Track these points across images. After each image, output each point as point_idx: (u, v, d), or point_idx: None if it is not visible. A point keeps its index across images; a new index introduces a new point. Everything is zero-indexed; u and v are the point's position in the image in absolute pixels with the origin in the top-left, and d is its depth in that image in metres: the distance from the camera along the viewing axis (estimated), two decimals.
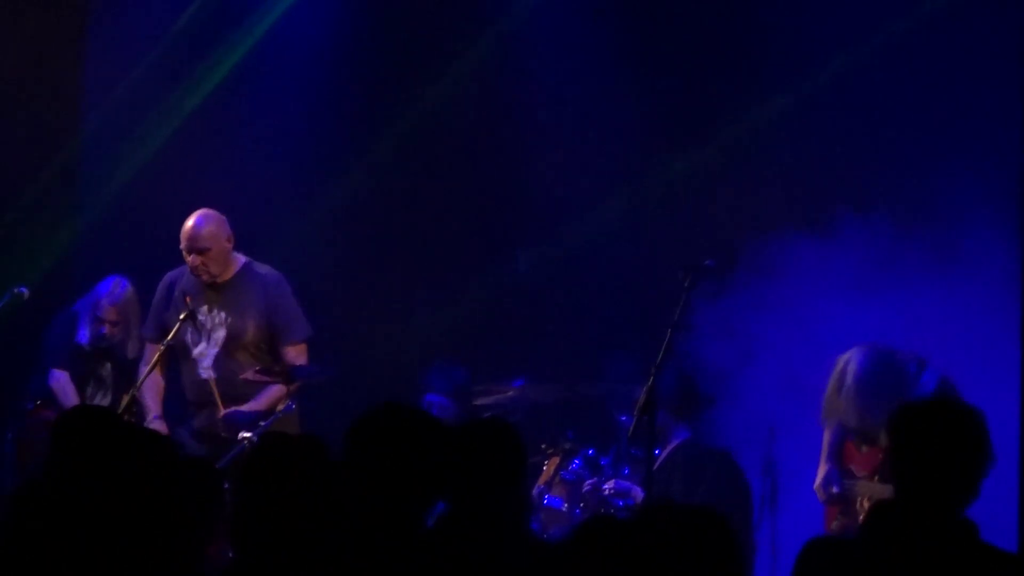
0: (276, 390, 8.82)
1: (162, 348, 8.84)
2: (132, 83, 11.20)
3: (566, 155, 11.05)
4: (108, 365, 9.74)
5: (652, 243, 10.53)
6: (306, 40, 11.42)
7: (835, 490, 8.52)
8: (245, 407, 8.77)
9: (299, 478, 4.74)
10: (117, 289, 9.71)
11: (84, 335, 9.69)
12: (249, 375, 8.81)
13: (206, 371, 9.01)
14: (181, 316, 8.85)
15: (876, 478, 8.43)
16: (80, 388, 9.67)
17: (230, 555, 5.01)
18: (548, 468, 9.54)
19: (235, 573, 4.74)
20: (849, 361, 8.55)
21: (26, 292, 9.61)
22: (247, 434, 8.54)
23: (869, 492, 8.40)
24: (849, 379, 8.50)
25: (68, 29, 11.25)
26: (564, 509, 9.38)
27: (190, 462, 6.02)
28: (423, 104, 11.35)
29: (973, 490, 5.13)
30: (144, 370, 8.87)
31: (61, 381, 9.66)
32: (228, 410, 8.75)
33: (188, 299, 8.92)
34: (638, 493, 8.97)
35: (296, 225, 11.12)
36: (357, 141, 11.43)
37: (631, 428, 7.91)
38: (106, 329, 9.67)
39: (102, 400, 9.66)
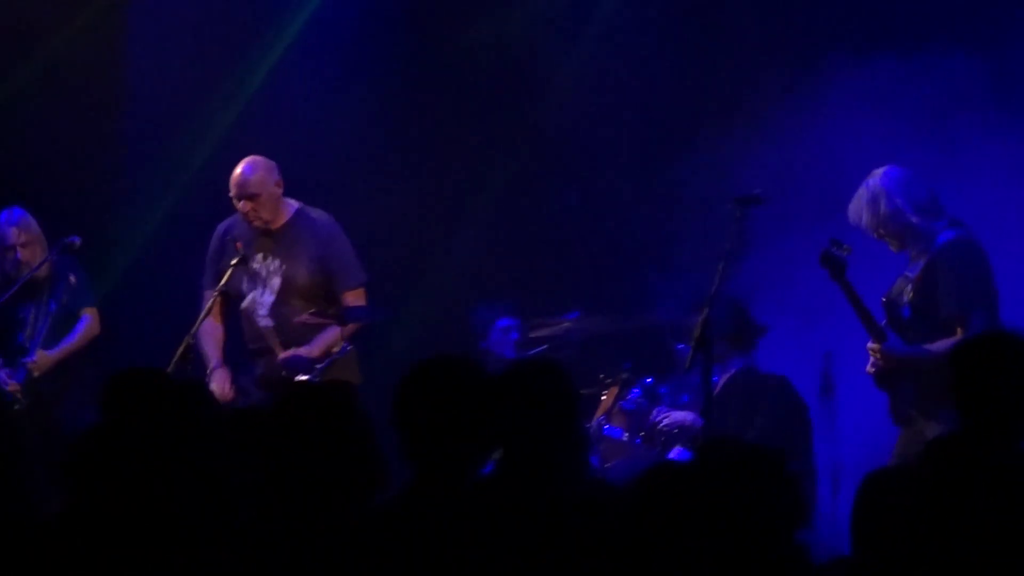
0: (332, 333, 8.63)
1: (216, 296, 8.68)
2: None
3: (615, 88, 10.90)
4: (27, 306, 9.32)
5: (702, 166, 10.27)
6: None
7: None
8: (302, 350, 8.59)
9: (327, 428, 4.58)
10: (12, 214, 9.36)
11: None
12: (304, 318, 8.63)
13: (263, 319, 8.84)
14: (232, 262, 8.65)
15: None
16: (11, 337, 9.31)
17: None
18: (607, 398, 9.50)
19: (270, 520, 4.58)
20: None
21: (78, 241, 9.28)
22: (304, 377, 8.40)
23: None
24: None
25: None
26: (624, 439, 9.32)
27: (240, 413, 5.92)
28: (470, 40, 11.21)
29: None
30: (200, 318, 8.65)
31: None
32: (286, 354, 8.60)
33: (239, 245, 8.72)
34: (697, 423, 8.81)
35: (345, 170, 10.95)
36: (404, 82, 11.30)
37: (688, 359, 7.76)
38: (20, 254, 9.27)
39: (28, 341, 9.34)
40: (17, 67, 10.78)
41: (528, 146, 11.15)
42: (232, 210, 8.90)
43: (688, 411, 9.10)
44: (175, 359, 8.31)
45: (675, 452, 8.87)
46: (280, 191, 8.78)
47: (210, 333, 8.84)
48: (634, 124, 10.82)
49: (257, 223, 8.73)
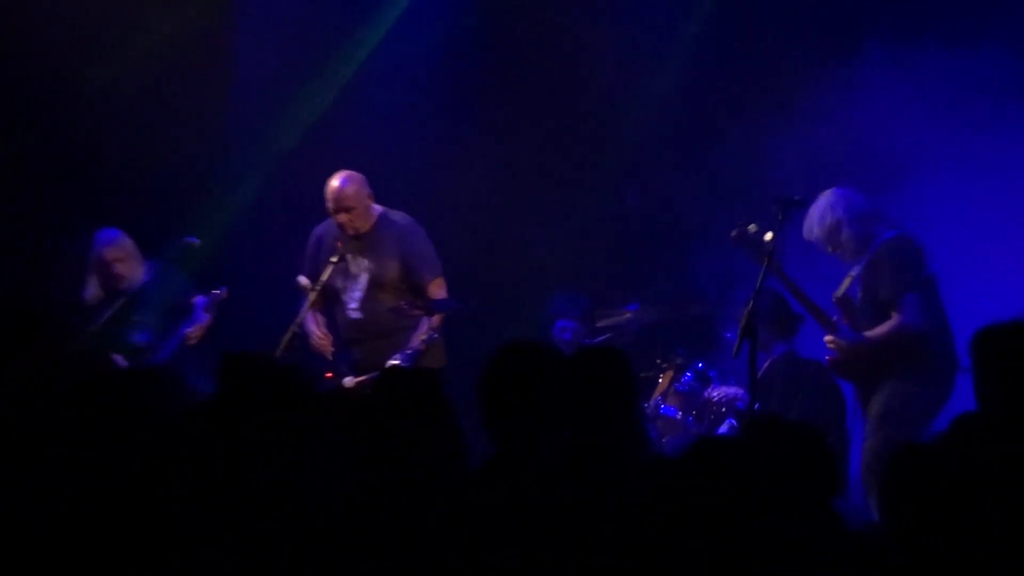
0: (423, 326, 8.94)
1: (317, 289, 8.99)
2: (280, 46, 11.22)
3: (669, 96, 11.05)
4: (133, 307, 9.56)
5: (744, 158, 10.43)
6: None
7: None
8: (407, 349, 8.87)
9: (413, 409, 4.82)
10: (104, 235, 9.57)
11: (91, 289, 9.56)
12: (397, 307, 8.93)
13: (354, 312, 9.15)
14: (333, 260, 8.98)
15: None
16: (122, 336, 9.47)
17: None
18: (663, 381, 9.74)
19: (356, 499, 4.77)
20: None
21: (197, 242, 9.60)
22: (396, 361, 8.73)
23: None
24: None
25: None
26: (678, 417, 9.55)
27: (337, 393, 6.11)
28: (535, 48, 11.32)
29: None
30: (303, 310, 9.00)
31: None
32: (396, 358, 8.82)
33: (339, 244, 9.05)
34: (743, 398, 9.09)
35: (426, 175, 11.11)
36: (476, 89, 11.43)
37: (736, 346, 7.95)
38: (116, 268, 9.49)
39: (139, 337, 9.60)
40: (122, 53, 10.86)
41: (594, 148, 11.27)
42: (319, 216, 9.23)
43: (736, 388, 9.36)
44: (281, 346, 8.71)
45: (725, 427, 9.10)
46: (371, 201, 9.12)
47: (313, 321, 9.14)
48: (684, 119, 10.93)
49: (351, 231, 9.06)
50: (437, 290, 9.11)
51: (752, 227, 8.24)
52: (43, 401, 5.36)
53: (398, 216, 9.22)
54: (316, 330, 9.06)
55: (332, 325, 9.27)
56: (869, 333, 8.25)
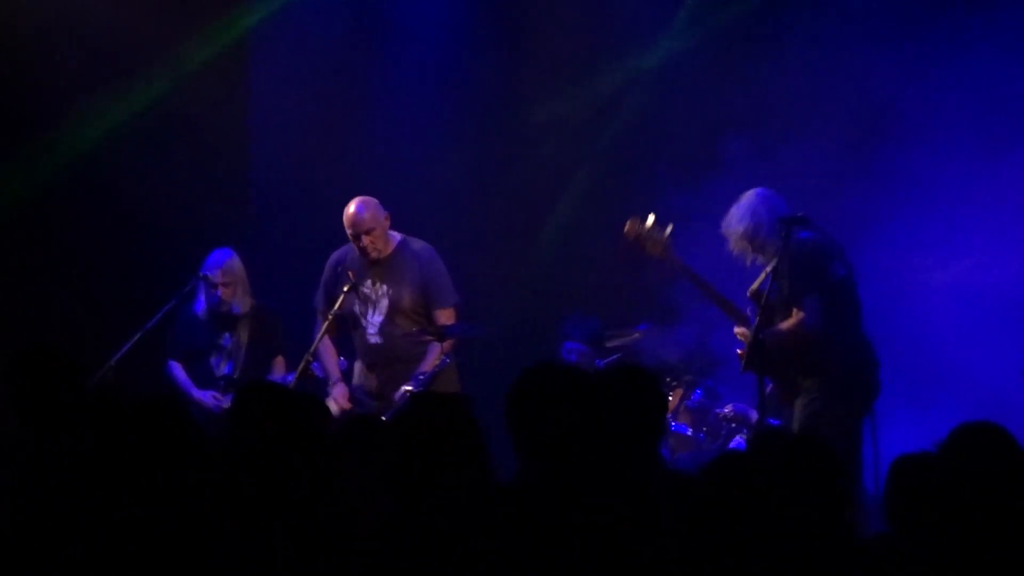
0: (435, 351, 9.00)
1: (330, 318, 9.07)
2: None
3: (679, 115, 11.05)
4: (225, 335, 9.67)
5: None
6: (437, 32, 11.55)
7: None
8: (419, 374, 8.93)
9: (443, 433, 4.81)
10: (221, 256, 9.65)
11: (200, 304, 9.65)
12: (409, 333, 9.06)
13: (373, 337, 9.25)
14: (345, 289, 9.05)
15: None
16: (203, 358, 9.67)
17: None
18: (673, 399, 9.74)
19: (388, 520, 4.78)
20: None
21: (211, 275, 9.61)
22: (409, 387, 8.82)
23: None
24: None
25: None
26: (690, 434, 9.58)
27: (355, 419, 6.20)
28: (550, 67, 11.40)
29: None
30: (316, 338, 9.09)
31: (176, 371, 9.67)
32: (407, 385, 8.91)
33: (351, 274, 9.12)
34: (752, 415, 9.09)
35: (443, 203, 11.19)
36: (486, 112, 11.51)
37: (743, 363, 8.01)
38: (220, 292, 9.57)
39: (222, 366, 9.67)
40: (139, 98, 10.93)
41: (605, 168, 11.30)
42: (341, 240, 9.30)
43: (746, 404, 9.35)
44: (296, 375, 8.81)
45: (735, 442, 9.14)
46: (388, 224, 9.20)
47: (328, 351, 9.27)
48: (692, 139, 10.83)
49: (374, 254, 9.13)
50: (448, 319, 9.16)
51: (650, 220, 8.35)
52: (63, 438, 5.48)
53: (418, 244, 9.31)
54: (333, 372, 9.20)
55: (348, 351, 9.36)
56: (777, 327, 8.19)
